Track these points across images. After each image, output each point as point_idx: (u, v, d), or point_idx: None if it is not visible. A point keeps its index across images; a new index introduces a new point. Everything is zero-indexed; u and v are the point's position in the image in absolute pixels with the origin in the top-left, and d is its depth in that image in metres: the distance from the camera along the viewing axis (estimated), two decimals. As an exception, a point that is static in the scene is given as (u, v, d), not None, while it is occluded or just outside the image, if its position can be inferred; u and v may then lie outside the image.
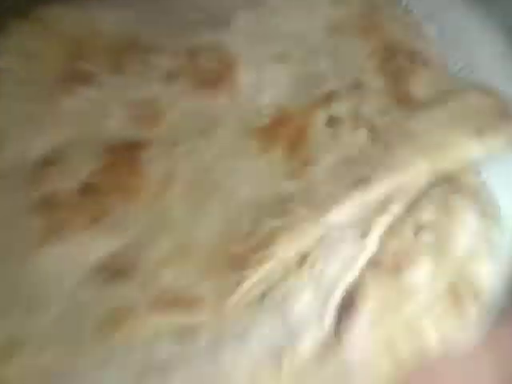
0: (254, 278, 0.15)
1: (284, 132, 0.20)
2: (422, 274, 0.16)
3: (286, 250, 0.15)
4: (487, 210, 0.16)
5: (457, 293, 0.17)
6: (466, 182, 0.17)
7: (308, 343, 0.14)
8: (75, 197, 0.21)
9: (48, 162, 0.22)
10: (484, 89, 0.18)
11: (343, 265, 0.15)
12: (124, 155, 0.22)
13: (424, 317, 0.16)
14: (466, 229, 0.16)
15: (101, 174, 0.21)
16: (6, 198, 0.21)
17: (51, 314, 0.17)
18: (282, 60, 0.23)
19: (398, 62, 0.20)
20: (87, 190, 0.21)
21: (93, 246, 0.19)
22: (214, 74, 0.24)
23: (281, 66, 0.23)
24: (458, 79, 0.19)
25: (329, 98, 0.20)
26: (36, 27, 0.28)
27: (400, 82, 0.19)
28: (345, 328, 0.14)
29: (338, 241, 0.16)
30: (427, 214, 0.16)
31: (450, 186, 0.17)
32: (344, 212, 0.16)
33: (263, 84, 0.23)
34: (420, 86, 0.19)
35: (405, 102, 0.18)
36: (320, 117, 0.20)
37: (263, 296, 0.15)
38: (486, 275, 0.17)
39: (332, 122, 0.19)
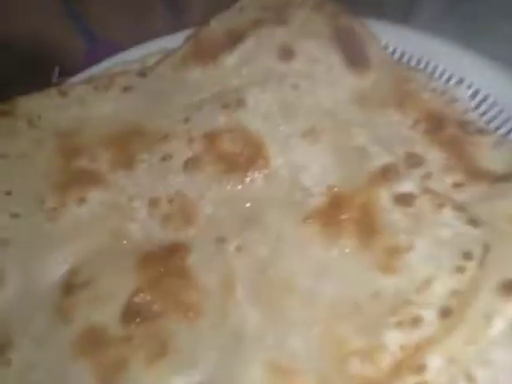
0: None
1: (346, 216, 0.19)
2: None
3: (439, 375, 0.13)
4: None
5: None
6: None
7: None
8: (121, 327, 0.17)
9: (72, 289, 0.19)
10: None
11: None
12: (167, 264, 0.19)
13: None
14: None
15: (146, 293, 0.18)
16: (35, 345, 0.17)
17: None
18: (312, 135, 0.22)
19: (448, 132, 0.19)
20: (133, 315, 0.17)
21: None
22: (241, 157, 0.22)
23: (314, 141, 0.22)
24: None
25: (386, 173, 0.19)
26: (17, 123, 0.24)
27: (462, 153, 0.19)
28: None
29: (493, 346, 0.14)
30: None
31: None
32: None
33: (300, 163, 0.22)
34: (485, 156, 0.18)
35: (479, 175, 0.18)
36: (384, 195, 0.18)
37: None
38: None
39: (402, 200, 0.18)
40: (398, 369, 0.14)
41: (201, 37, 0.28)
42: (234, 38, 0.26)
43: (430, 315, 0.15)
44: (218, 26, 0.27)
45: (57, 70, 0.36)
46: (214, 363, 0.16)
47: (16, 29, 0.38)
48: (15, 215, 0.21)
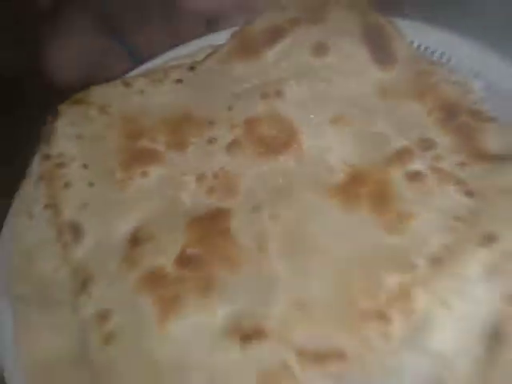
0: (399, 329, 0.16)
1: (364, 189, 0.22)
2: None
3: (423, 303, 0.17)
4: None
5: None
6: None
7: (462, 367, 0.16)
8: (176, 271, 0.22)
9: (137, 242, 0.23)
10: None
11: (480, 306, 0.17)
12: (212, 226, 0.23)
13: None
14: None
15: (195, 247, 0.22)
16: (111, 278, 0.22)
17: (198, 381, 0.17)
18: (339, 122, 0.26)
19: (460, 119, 0.22)
20: (185, 263, 0.22)
21: (212, 315, 0.19)
22: (276, 141, 0.26)
23: (340, 127, 0.25)
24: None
25: (401, 155, 0.22)
26: (89, 110, 0.29)
27: (469, 138, 0.21)
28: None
29: (469, 284, 0.17)
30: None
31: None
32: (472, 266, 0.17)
33: (327, 145, 0.25)
34: (490, 140, 0.21)
35: (482, 156, 0.21)
36: (398, 173, 0.22)
37: (405, 341, 0.17)
38: None
39: (413, 177, 0.21)
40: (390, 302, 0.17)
41: (244, 34, 0.31)
42: (275, 35, 0.30)
43: (423, 262, 0.18)
44: (260, 24, 0.31)
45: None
46: (252, 298, 0.20)
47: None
48: (91, 184, 0.26)
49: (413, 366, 0.17)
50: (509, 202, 0.19)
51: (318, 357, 0.17)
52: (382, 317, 0.17)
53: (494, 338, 0.17)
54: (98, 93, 0.30)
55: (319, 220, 0.22)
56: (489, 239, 0.18)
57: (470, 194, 0.20)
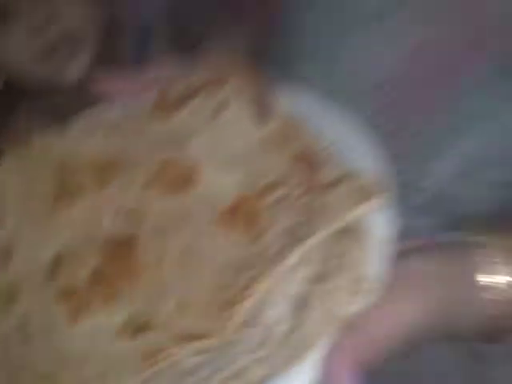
0: (242, 312, 0.22)
1: (241, 213, 0.29)
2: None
3: (258, 291, 0.23)
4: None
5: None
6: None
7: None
8: (87, 286, 0.27)
9: (60, 262, 0.29)
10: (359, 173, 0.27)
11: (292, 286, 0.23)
12: (121, 249, 0.29)
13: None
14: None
15: (106, 265, 0.28)
16: (34, 293, 0.27)
17: (94, 368, 0.22)
18: (232, 163, 0.32)
19: (307, 164, 0.29)
20: (96, 279, 0.27)
21: (113, 316, 0.25)
22: (181, 179, 0.32)
23: (232, 167, 0.32)
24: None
25: (270, 187, 0.29)
26: (32, 152, 0.35)
27: (312, 174, 0.28)
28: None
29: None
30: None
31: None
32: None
33: (220, 181, 0.32)
34: (324, 175, 0.28)
35: (316, 188, 0.27)
36: (267, 200, 0.28)
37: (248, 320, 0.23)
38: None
39: (276, 203, 0.28)
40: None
41: (165, 92, 0.38)
42: (186, 97, 0.37)
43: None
44: (175, 87, 0.38)
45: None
46: (148, 299, 0.26)
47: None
48: (24, 213, 0.31)
49: (249, 337, 0.23)
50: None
51: (190, 338, 0.22)
52: (234, 305, 0.23)
53: (301, 308, 0.23)
54: (43, 139, 0.36)
55: (208, 239, 0.28)
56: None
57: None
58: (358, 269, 0.22)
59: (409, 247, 0.29)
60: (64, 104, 0.49)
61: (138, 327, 0.24)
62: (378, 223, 0.25)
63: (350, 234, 0.23)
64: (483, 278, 0.29)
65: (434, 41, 0.37)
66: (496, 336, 0.30)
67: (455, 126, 0.37)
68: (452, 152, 0.37)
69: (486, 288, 0.29)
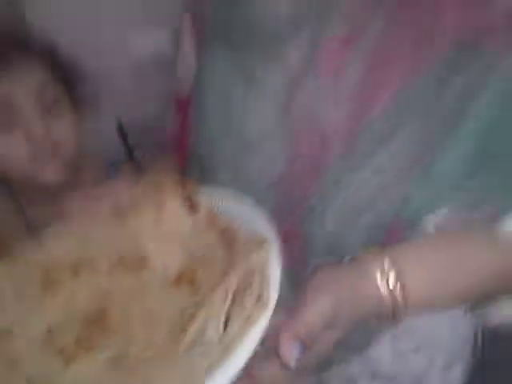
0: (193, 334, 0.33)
1: (184, 279, 0.41)
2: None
3: (202, 319, 0.34)
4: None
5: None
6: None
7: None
8: (75, 343, 0.37)
9: (52, 332, 0.38)
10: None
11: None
12: (97, 317, 0.39)
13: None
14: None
15: (86, 329, 0.38)
16: (35, 355, 0.36)
17: None
18: (174, 244, 0.45)
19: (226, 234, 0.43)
20: (80, 338, 0.37)
21: (95, 358, 0.35)
22: (136, 263, 0.44)
23: (174, 247, 0.45)
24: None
25: (203, 257, 0.42)
26: (18, 259, 0.45)
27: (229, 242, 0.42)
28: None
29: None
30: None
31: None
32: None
33: (167, 260, 0.44)
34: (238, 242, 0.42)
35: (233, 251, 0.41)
36: (201, 265, 0.41)
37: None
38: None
39: (207, 265, 0.41)
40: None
41: (117, 203, 0.51)
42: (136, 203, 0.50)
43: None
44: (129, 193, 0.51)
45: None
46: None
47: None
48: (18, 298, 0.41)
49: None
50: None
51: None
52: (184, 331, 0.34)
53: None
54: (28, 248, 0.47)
55: (161, 301, 0.40)
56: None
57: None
58: (261, 294, 0.35)
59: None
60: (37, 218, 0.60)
61: (115, 364, 0.34)
62: (272, 261, 0.38)
63: (254, 272, 0.36)
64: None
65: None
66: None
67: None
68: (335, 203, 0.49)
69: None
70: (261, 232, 0.39)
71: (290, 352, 0.35)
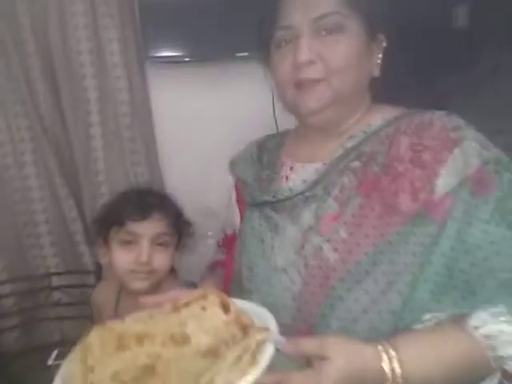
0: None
1: (212, 353, 0.60)
2: None
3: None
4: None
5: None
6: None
7: None
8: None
9: (118, 375, 0.58)
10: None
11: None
12: (149, 368, 0.59)
13: None
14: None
15: (142, 374, 0.57)
16: None
17: None
18: (209, 334, 0.65)
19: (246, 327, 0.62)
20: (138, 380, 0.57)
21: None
22: (182, 340, 0.64)
23: (209, 336, 0.65)
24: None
25: (228, 341, 0.61)
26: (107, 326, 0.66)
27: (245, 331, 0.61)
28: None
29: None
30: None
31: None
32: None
33: (203, 341, 0.64)
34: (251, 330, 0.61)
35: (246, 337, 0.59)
36: (226, 345, 0.60)
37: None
38: None
39: (230, 345, 0.59)
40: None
41: (175, 303, 0.73)
42: (188, 303, 0.72)
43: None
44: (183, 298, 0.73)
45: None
46: None
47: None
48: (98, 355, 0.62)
49: None
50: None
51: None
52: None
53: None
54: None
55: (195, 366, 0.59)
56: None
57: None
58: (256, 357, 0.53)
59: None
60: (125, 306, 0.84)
61: None
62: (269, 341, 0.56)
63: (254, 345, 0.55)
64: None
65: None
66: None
67: None
68: None
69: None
70: (265, 323, 0.60)
71: None
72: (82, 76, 1.87)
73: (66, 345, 0.66)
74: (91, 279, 1.97)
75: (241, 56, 1.77)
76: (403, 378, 0.56)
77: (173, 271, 1.11)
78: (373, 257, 0.68)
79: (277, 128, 1.60)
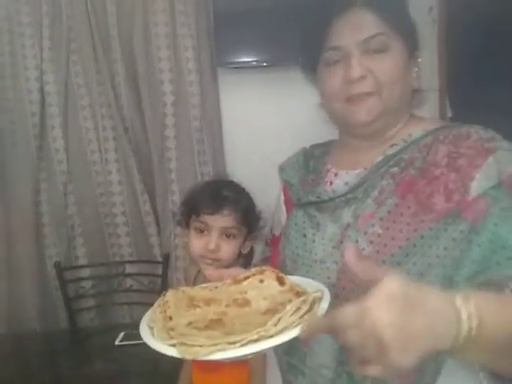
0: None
1: (270, 311, 0.69)
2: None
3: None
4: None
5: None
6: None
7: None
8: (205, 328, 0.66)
9: (192, 323, 0.68)
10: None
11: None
12: (218, 319, 0.69)
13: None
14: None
15: (212, 323, 0.67)
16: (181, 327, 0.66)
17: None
18: (266, 299, 0.74)
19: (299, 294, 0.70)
20: (209, 326, 0.66)
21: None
22: (243, 303, 0.73)
23: (266, 300, 0.74)
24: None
25: (282, 303, 0.69)
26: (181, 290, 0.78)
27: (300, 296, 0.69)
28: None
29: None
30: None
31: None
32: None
33: (261, 303, 0.72)
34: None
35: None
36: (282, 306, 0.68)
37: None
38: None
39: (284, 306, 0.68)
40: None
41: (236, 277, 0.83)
42: (248, 277, 0.81)
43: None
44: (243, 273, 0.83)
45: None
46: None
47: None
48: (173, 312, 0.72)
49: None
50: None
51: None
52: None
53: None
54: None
55: (255, 318, 0.67)
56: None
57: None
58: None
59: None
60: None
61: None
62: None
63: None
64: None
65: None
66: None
67: None
68: None
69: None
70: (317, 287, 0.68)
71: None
72: (161, 81, 2.06)
73: (134, 328, 0.74)
74: (159, 269, 2.14)
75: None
76: (478, 327, 0.49)
77: (243, 258, 1.22)
78: (406, 249, 0.72)
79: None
